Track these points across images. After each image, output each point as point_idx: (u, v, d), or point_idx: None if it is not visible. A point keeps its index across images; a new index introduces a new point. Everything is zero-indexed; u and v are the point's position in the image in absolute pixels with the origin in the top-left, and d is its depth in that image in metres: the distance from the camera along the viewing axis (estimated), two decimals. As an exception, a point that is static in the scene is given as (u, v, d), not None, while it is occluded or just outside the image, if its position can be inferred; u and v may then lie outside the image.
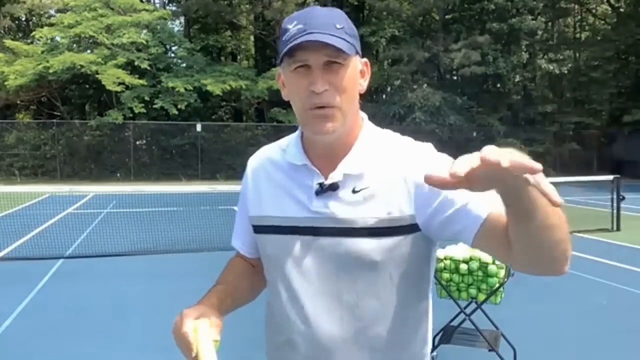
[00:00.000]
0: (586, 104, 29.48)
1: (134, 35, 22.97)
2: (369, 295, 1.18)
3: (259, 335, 1.38)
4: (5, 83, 21.85)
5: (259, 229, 1.28)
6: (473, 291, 3.61)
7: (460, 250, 3.67)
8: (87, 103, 28.47)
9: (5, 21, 26.91)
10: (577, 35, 33.29)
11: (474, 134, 26.87)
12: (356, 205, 1.17)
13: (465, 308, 3.62)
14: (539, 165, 0.77)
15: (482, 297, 3.59)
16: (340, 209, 1.17)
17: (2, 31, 26.66)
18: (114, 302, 5.49)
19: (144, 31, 24.35)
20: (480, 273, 3.57)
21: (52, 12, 26.79)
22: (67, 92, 26.37)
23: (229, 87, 23.50)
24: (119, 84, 22.06)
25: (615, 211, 9.96)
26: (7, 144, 22.72)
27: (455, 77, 29.82)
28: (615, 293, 5.93)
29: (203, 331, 1.10)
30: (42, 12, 27.43)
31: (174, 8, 29.39)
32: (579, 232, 9.70)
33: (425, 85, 26.61)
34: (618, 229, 9.83)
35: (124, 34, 22.78)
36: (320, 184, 1.19)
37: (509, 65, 26.65)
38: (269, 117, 25.72)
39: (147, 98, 22.74)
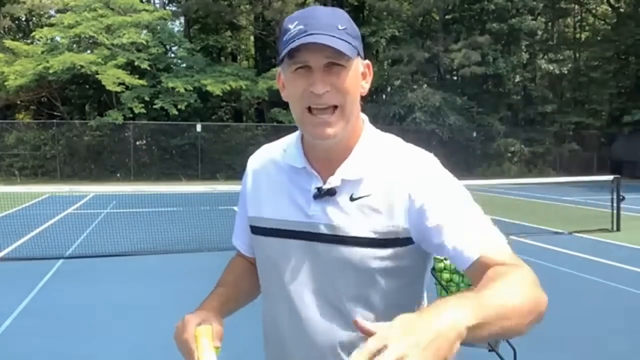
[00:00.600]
0: (586, 104, 29.50)
1: (134, 35, 22.97)
2: (362, 302, 1.17)
3: (257, 335, 1.38)
4: (5, 83, 21.86)
5: (256, 230, 1.27)
6: (473, 291, 3.60)
7: (460, 251, 3.66)
8: (87, 103, 28.46)
9: (5, 21, 26.90)
10: (577, 36, 33.30)
11: (474, 134, 26.89)
12: (353, 213, 1.16)
13: (465, 308, 3.61)
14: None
15: (482, 297, 3.58)
16: (337, 215, 1.16)
17: (2, 31, 26.65)
18: (114, 302, 5.49)
19: (144, 31, 24.36)
20: (480, 273, 3.56)
21: (52, 12, 26.78)
22: (67, 92, 26.36)
23: (229, 88, 23.51)
24: (119, 84, 22.07)
25: (615, 211, 9.96)
26: (7, 144, 22.72)
27: (455, 77, 29.83)
28: (615, 293, 5.93)
29: (204, 338, 1.12)
30: (42, 13, 27.42)
31: (174, 8, 29.41)
32: (579, 232, 9.72)
33: (425, 85, 26.63)
34: (618, 229, 9.83)
35: (124, 34, 22.78)
36: (318, 189, 1.18)
37: (509, 65, 26.66)
38: (269, 117, 25.73)
39: (147, 98, 22.75)
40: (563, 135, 28.88)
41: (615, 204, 9.98)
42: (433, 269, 3.31)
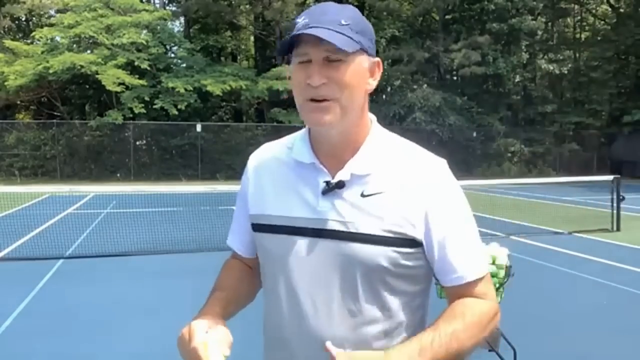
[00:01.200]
0: (586, 104, 29.50)
1: (134, 35, 22.97)
2: (368, 300, 1.17)
3: (256, 335, 1.38)
4: (5, 83, 21.84)
5: (259, 228, 1.26)
6: (473, 291, 3.60)
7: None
8: (87, 103, 28.46)
9: (5, 21, 26.90)
10: (577, 36, 33.31)
11: (474, 134, 26.90)
12: (364, 210, 1.16)
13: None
14: None
15: (482, 297, 3.58)
16: (348, 211, 1.16)
17: (2, 31, 26.65)
18: (114, 302, 5.49)
19: (144, 31, 24.35)
20: (480, 273, 3.56)
21: (52, 12, 26.77)
22: (67, 92, 26.36)
23: (229, 88, 23.50)
24: (119, 84, 22.06)
25: (615, 211, 9.96)
26: (7, 144, 22.71)
27: (455, 78, 29.84)
28: (615, 293, 5.93)
29: (213, 346, 1.09)
30: (42, 13, 27.41)
31: (174, 8, 29.40)
32: (579, 232, 9.72)
33: (425, 85, 26.63)
34: (618, 229, 9.83)
35: (124, 34, 22.78)
36: (327, 182, 1.18)
37: (509, 65, 26.68)
38: (269, 117, 25.73)
39: (147, 98, 22.74)
40: (563, 135, 28.89)
41: (615, 204, 9.98)
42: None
